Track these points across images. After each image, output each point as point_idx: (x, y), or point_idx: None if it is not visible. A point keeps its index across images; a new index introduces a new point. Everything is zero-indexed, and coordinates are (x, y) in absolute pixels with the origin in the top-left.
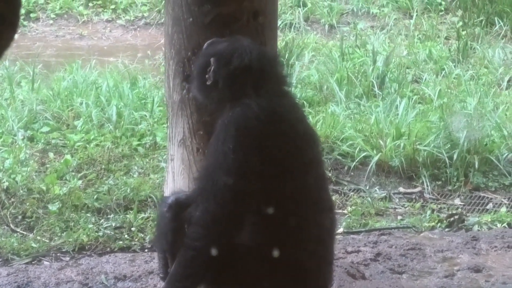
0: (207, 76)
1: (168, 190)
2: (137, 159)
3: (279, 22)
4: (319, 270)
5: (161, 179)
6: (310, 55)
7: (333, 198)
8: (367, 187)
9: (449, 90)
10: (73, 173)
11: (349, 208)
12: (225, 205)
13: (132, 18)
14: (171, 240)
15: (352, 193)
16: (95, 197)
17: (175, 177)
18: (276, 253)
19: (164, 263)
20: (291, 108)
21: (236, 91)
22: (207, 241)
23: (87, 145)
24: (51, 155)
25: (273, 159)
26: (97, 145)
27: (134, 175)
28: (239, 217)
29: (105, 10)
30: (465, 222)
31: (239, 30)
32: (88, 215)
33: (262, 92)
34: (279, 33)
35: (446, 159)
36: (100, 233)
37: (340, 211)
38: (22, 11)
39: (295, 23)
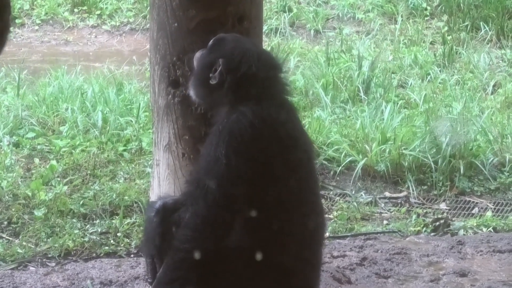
0: (211, 75)
1: (154, 195)
2: (122, 164)
3: (264, 28)
4: (307, 274)
5: (147, 184)
6: (296, 60)
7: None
8: (353, 192)
9: (434, 95)
10: (59, 179)
11: (335, 213)
12: (214, 209)
13: (117, 24)
14: (159, 244)
15: (338, 197)
16: (80, 202)
17: (161, 182)
18: (265, 257)
19: (152, 267)
20: (288, 116)
21: (238, 95)
22: (196, 244)
23: (73, 151)
24: (36, 160)
25: (265, 167)
26: (82, 150)
27: (120, 181)
28: (229, 221)
29: (91, 15)
30: (451, 226)
31: (225, 37)
32: (74, 220)
33: (262, 99)
34: (264, 38)
35: (432, 164)
36: (86, 239)
37: (326, 215)
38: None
39: (281, 28)
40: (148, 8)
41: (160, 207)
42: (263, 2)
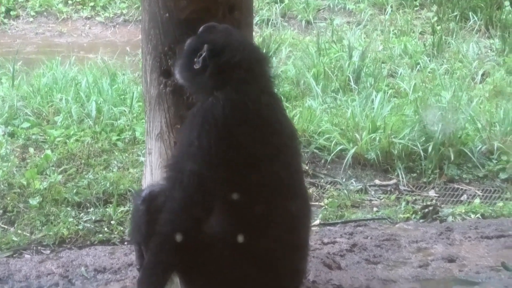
0: (196, 60)
1: (146, 183)
2: (116, 153)
3: (256, 18)
4: (291, 257)
5: (140, 173)
6: (287, 51)
7: (310, 190)
8: (343, 180)
9: (424, 84)
10: (53, 168)
11: (325, 200)
12: (191, 192)
13: (111, 15)
14: (145, 232)
15: (328, 185)
16: (75, 191)
17: (153, 170)
18: (246, 241)
19: (139, 255)
20: (268, 103)
21: (219, 82)
22: (174, 227)
23: (67, 140)
24: (31, 150)
25: (238, 150)
26: (77, 140)
27: (114, 170)
28: (206, 204)
29: (84, 7)
30: (440, 213)
31: (215, 26)
32: (68, 209)
33: (241, 87)
34: (256, 29)
35: (421, 152)
36: (80, 227)
37: (317, 203)
38: (2, 9)
39: (272, 19)
40: None
41: (146, 195)
42: None
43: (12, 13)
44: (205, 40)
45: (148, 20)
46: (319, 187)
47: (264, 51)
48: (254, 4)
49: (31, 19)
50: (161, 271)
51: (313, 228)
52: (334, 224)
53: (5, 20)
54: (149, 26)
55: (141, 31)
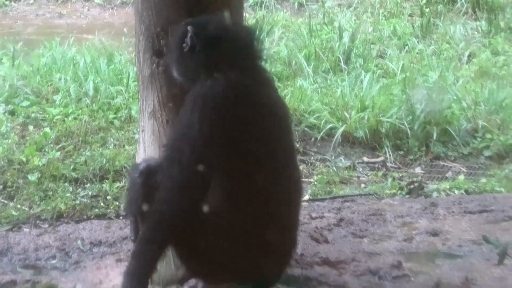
0: (184, 44)
1: (140, 160)
2: (113, 131)
3: (250, 1)
4: (283, 234)
5: (135, 150)
6: (280, 32)
7: (301, 167)
8: (333, 157)
9: (411, 65)
10: (52, 145)
11: (315, 177)
12: (189, 173)
13: None
14: (141, 205)
15: (318, 162)
16: (72, 167)
17: (146, 147)
18: (241, 215)
19: (135, 226)
20: (262, 83)
21: (210, 58)
22: (171, 206)
23: (65, 119)
24: (31, 128)
25: (237, 131)
26: (75, 118)
27: (110, 147)
28: (202, 184)
29: None
30: (425, 189)
31: (207, 6)
32: (66, 184)
33: (234, 66)
34: (250, 11)
35: (408, 130)
36: (77, 202)
37: (307, 179)
38: None
39: (266, 1)
40: None
41: (143, 168)
42: None
43: None
44: (189, 23)
45: (141, 1)
46: (309, 164)
47: (249, 26)
48: None
49: (32, 1)
50: (157, 247)
51: (302, 204)
52: (322, 200)
53: (6, 2)
54: (142, 8)
55: (134, 12)
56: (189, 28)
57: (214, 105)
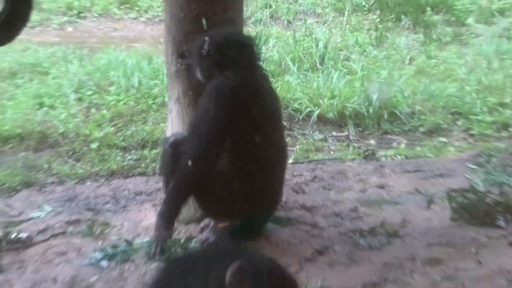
0: (203, 50)
1: (169, 133)
2: (151, 113)
3: (252, 19)
4: (275, 187)
5: (166, 126)
6: (273, 42)
7: (287, 139)
8: (310, 132)
9: (368, 66)
10: (107, 123)
11: (297, 146)
12: (206, 145)
13: (150, 16)
14: (170, 167)
15: (300, 136)
16: (122, 138)
17: (173, 124)
18: (245, 172)
19: (166, 182)
20: (260, 78)
21: (222, 61)
22: (191, 167)
23: (117, 103)
24: (93, 110)
25: (242, 113)
26: (124, 103)
27: (149, 124)
28: (215, 153)
29: (132, 10)
30: (376, 155)
31: (215, 23)
32: (117, 151)
33: (240, 66)
34: (251, 26)
35: (365, 113)
36: (125, 163)
37: (291, 148)
38: (75, 11)
39: (263, 20)
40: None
41: (172, 141)
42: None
43: (81, 14)
44: (206, 35)
45: (169, 18)
46: (293, 137)
47: (251, 36)
48: (250, 9)
49: (95, 19)
50: (181, 196)
51: (287, 165)
52: (302, 163)
53: (77, 20)
54: (170, 23)
55: (164, 26)
56: (206, 38)
57: (225, 96)
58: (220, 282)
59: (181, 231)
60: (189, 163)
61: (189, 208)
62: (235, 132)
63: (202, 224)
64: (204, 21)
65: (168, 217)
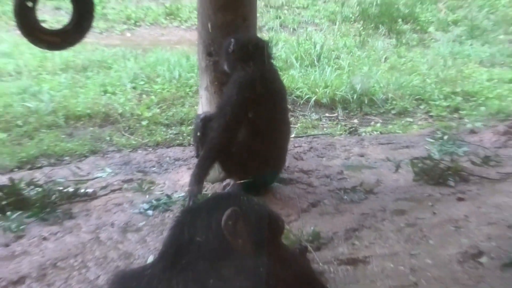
0: (229, 49)
1: (200, 112)
2: (188, 98)
3: (266, 27)
4: (281, 155)
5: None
6: (282, 44)
7: (291, 119)
8: (309, 113)
9: (353, 63)
10: (155, 105)
11: (298, 124)
12: (229, 122)
13: (189, 25)
14: (201, 138)
15: (300, 116)
16: (165, 117)
17: (203, 106)
18: (259, 143)
19: (197, 149)
20: (271, 71)
21: (243, 57)
22: (217, 138)
23: (162, 91)
24: (144, 96)
25: (257, 98)
26: (167, 91)
27: (186, 106)
28: (236, 128)
29: (175, 20)
30: (358, 131)
31: (235, 28)
32: (161, 127)
33: (256, 62)
34: (265, 32)
35: (350, 99)
36: (167, 136)
37: (294, 125)
38: (132, 21)
39: (274, 27)
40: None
41: (202, 117)
42: (257, 9)
43: (137, 23)
44: (232, 38)
45: (201, 26)
46: (295, 117)
47: (265, 40)
48: (264, 19)
49: (147, 27)
50: (209, 161)
51: (291, 138)
52: (301, 137)
53: (134, 27)
54: (201, 30)
55: (197, 32)
56: (232, 40)
57: (245, 85)
58: (220, 224)
59: (208, 188)
60: (215, 135)
61: (215, 171)
62: (251, 111)
63: (224, 183)
64: (209, 25)
65: (199, 177)
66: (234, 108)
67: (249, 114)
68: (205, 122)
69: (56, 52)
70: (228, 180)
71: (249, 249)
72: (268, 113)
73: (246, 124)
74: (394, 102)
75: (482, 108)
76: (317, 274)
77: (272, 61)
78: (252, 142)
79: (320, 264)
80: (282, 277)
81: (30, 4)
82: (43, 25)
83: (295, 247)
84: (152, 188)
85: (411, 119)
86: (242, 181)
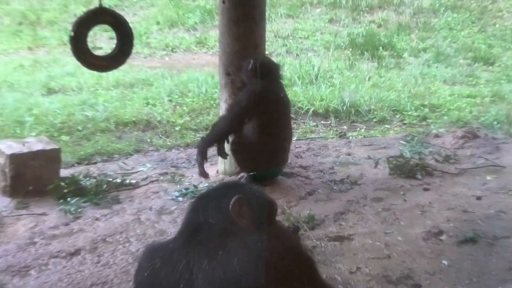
0: (248, 67)
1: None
2: (212, 108)
3: (274, 53)
4: (284, 153)
5: None
6: (287, 66)
7: (294, 125)
8: (308, 121)
9: (344, 81)
10: (186, 114)
11: (299, 129)
12: (232, 120)
13: (214, 51)
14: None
15: (301, 123)
16: (194, 124)
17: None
18: (265, 141)
19: (219, 150)
20: (279, 87)
21: (258, 74)
22: (219, 129)
23: (192, 102)
24: (177, 107)
25: (265, 107)
26: (196, 103)
27: (211, 115)
28: (237, 126)
29: (203, 47)
30: (346, 135)
31: (248, 54)
32: (191, 131)
33: (268, 78)
34: (274, 57)
35: (341, 109)
36: (196, 139)
37: (295, 130)
38: (170, 48)
39: (281, 53)
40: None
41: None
42: (267, 39)
43: (173, 50)
44: (251, 58)
45: (221, 52)
46: (298, 124)
47: (278, 63)
48: (272, 46)
49: (181, 52)
50: (210, 140)
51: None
52: (301, 140)
53: (171, 53)
54: (221, 54)
55: (218, 56)
56: (251, 60)
57: (254, 95)
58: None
59: (226, 180)
60: (220, 125)
61: (231, 165)
62: (260, 116)
63: (239, 176)
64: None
65: (203, 149)
66: (241, 110)
67: (258, 118)
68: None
69: (109, 73)
70: (242, 174)
71: (251, 227)
72: (275, 119)
73: (257, 128)
74: (375, 112)
75: (445, 117)
76: (305, 247)
77: (280, 79)
78: (261, 141)
79: (314, 240)
80: (277, 249)
81: (72, 34)
82: (95, 52)
83: (290, 227)
84: (182, 179)
85: (388, 126)
86: (252, 174)
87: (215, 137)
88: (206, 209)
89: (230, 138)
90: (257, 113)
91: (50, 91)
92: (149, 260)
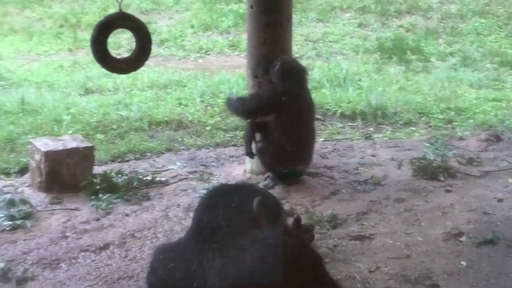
0: (275, 68)
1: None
2: None
3: (305, 55)
4: (307, 153)
5: None
6: (317, 69)
7: (321, 127)
8: (335, 122)
9: (371, 84)
10: (217, 115)
11: (327, 131)
12: (248, 108)
13: (244, 54)
14: (249, 139)
15: (329, 125)
16: (224, 124)
17: None
18: (290, 141)
19: (246, 148)
20: (304, 89)
21: (284, 77)
22: (238, 108)
23: (223, 104)
24: (209, 108)
25: (282, 108)
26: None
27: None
28: (251, 116)
29: (236, 50)
30: (372, 137)
31: (275, 58)
32: (221, 131)
33: (294, 79)
34: (304, 60)
35: (368, 111)
36: (225, 139)
37: (322, 132)
38: (204, 50)
39: (311, 56)
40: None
41: (252, 123)
42: (297, 43)
43: (207, 52)
44: (278, 61)
45: (249, 55)
46: (325, 125)
47: (305, 67)
48: (302, 49)
49: (215, 55)
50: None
51: (319, 142)
52: (327, 141)
53: (205, 55)
54: (249, 58)
55: (246, 59)
56: (278, 62)
57: (275, 93)
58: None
59: (253, 179)
60: (238, 107)
61: (259, 166)
62: (282, 116)
63: (265, 175)
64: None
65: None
66: (259, 102)
67: (280, 118)
68: (254, 128)
69: (144, 74)
70: (268, 173)
71: (266, 225)
72: (297, 121)
73: (279, 129)
74: (401, 115)
75: (470, 121)
76: (312, 245)
77: (305, 81)
78: (286, 142)
79: (335, 239)
80: (285, 245)
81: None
82: (114, 54)
83: (304, 225)
84: (211, 178)
85: (414, 128)
86: (277, 173)
87: (234, 111)
88: (218, 208)
89: (257, 138)
90: (275, 112)
91: (88, 91)
92: (161, 261)
